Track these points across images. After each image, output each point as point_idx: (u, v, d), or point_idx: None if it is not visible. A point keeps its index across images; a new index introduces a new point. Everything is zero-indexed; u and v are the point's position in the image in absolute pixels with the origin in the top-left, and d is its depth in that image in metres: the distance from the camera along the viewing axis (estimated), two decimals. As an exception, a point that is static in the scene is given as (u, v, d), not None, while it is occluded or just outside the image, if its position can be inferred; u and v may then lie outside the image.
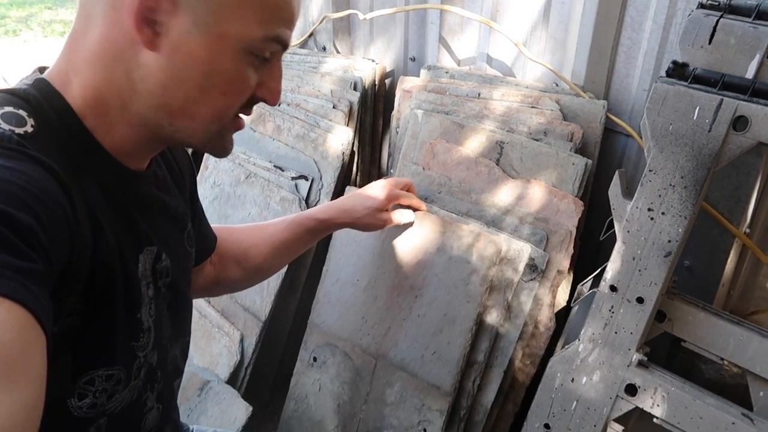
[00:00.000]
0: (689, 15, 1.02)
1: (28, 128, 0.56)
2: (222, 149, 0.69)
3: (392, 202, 1.16)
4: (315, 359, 1.40)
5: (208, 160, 1.76)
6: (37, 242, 0.48)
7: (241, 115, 0.67)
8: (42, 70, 0.65)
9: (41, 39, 5.69)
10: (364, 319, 1.31)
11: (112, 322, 0.64)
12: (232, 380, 1.54)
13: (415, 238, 1.27)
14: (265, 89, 0.66)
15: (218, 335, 1.59)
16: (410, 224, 1.26)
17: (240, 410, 1.45)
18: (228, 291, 1.10)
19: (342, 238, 1.37)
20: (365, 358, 1.31)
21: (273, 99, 0.67)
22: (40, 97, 0.59)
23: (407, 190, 1.22)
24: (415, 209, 1.24)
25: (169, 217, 0.76)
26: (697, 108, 0.97)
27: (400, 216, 1.20)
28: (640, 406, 1.09)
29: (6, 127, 0.55)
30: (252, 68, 0.63)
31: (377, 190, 1.13)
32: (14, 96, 0.59)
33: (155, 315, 0.72)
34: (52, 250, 0.50)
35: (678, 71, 1.02)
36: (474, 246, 1.20)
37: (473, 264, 1.20)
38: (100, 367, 0.64)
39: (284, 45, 0.63)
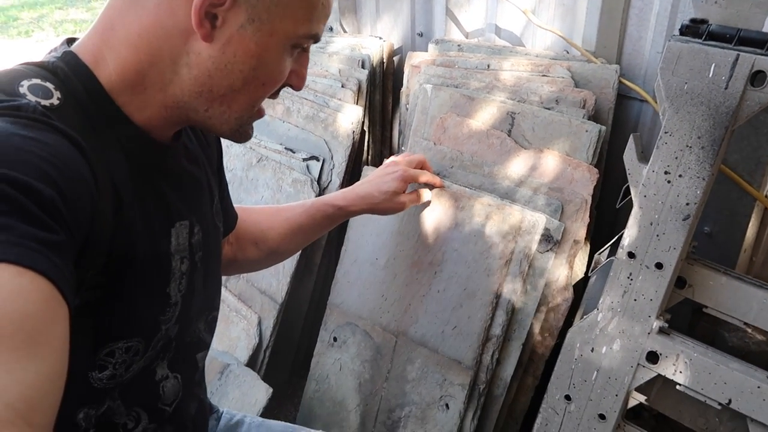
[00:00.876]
0: (702, -30, 0.99)
1: (54, 101, 0.57)
2: (245, 135, 0.71)
3: (408, 183, 1.16)
4: (335, 339, 1.40)
5: (220, 145, 1.76)
6: (58, 214, 0.48)
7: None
8: (70, 41, 0.65)
9: (54, 38, 5.74)
10: (383, 297, 1.31)
11: (134, 296, 0.64)
12: (251, 363, 1.55)
13: (433, 214, 1.27)
14: (294, 76, 0.69)
15: (236, 319, 1.60)
16: (428, 203, 1.26)
17: (260, 392, 1.46)
18: (243, 271, 1.11)
19: (360, 218, 1.37)
20: (385, 335, 1.31)
21: (300, 84, 0.70)
22: (68, 71, 0.60)
23: (422, 167, 1.21)
24: (432, 187, 1.24)
25: (201, 190, 0.77)
26: (713, 65, 0.94)
27: (417, 198, 1.20)
28: (662, 374, 1.07)
29: (32, 98, 0.55)
30: (290, 59, 0.66)
31: (392, 172, 1.13)
32: (42, 68, 0.60)
33: (185, 290, 0.72)
34: (74, 223, 0.50)
35: (692, 29, 0.99)
36: (491, 219, 1.19)
37: (491, 238, 1.19)
38: (121, 339, 0.65)
39: (319, 38, 0.68)
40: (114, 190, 0.60)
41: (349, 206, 1.09)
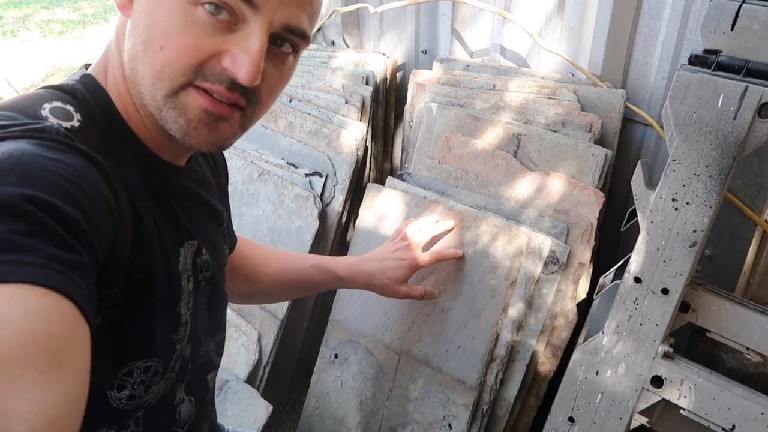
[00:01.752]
0: (710, 1, 1.00)
1: (75, 122, 0.58)
2: (175, 125, 0.59)
3: (415, 270, 1.12)
4: (336, 356, 1.39)
5: (227, 171, 1.75)
6: (82, 234, 0.48)
7: (212, 93, 0.58)
8: (88, 66, 0.66)
9: (40, 39, 5.67)
10: (386, 315, 1.31)
11: (152, 314, 0.65)
12: (250, 379, 1.54)
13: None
14: (227, 58, 0.57)
15: (236, 334, 1.59)
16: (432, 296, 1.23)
17: (260, 409, 1.45)
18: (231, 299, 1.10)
19: (363, 235, 1.37)
20: (388, 354, 1.31)
21: (239, 73, 0.56)
22: (86, 92, 0.61)
23: (437, 237, 1.21)
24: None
25: (208, 213, 0.77)
26: (722, 96, 0.96)
27: (421, 293, 1.15)
28: (667, 398, 1.08)
29: (54, 121, 0.56)
30: (201, 26, 0.55)
31: (401, 259, 1.10)
32: (62, 91, 0.60)
33: (192, 309, 0.73)
34: (96, 242, 0.51)
35: (701, 59, 1.01)
36: (497, 240, 1.20)
37: (497, 258, 1.20)
38: (140, 358, 0.65)
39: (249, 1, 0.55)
40: (132, 209, 0.60)
41: (350, 279, 1.08)
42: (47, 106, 0.57)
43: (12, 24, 6.03)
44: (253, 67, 0.56)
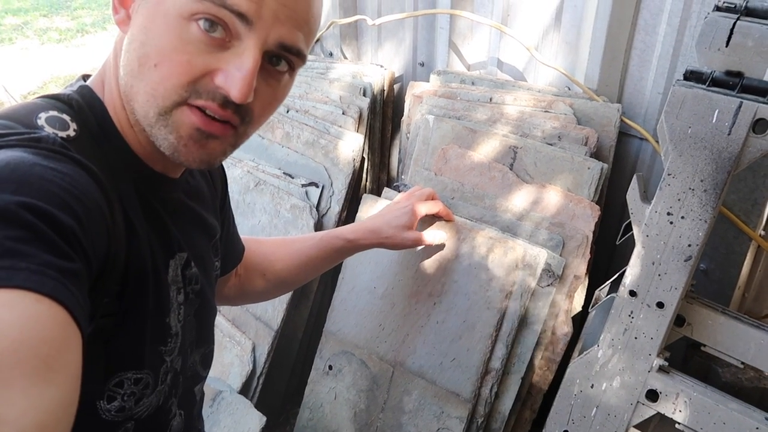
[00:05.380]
0: (705, 17, 1.02)
1: (71, 132, 0.58)
2: (166, 142, 0.59)
3: (419, 217, 1.14)
4: (330, 367, 1.38)
5: (225, 184, 1.75)
6: (77, 242, 0.49)
7: (205, 109, 0.58)
8: (86, 77, 0.67)
9: (38, 47, 5.68)
10: (381, 326, 1.30)
11: (143, 325, 0.65)
12: (244, 390, 1.53)
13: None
14: (222, 75, 0.56)
15: (230, 345, 1.58)
16: (442, 246, 1.24)
17: (254, 420, 1.44)
18: (250, 301, 1.11)
19: None
20: (382, 365, 1.30)
21: (232, 90, 0.56)
22: (82, 103, 0.62)
23: (440, 212, 1.21)
24: (444, 219, 1.24)
25: (199, 225, 0.77)
26: (716, 111, 0.96)
27: (432, 237, 1.19)
28: (662, 412, 1.08)
29: (50, 130, 0.56)
30: (195, 44, 0.55)
31: (403, 207, 1.12)
32: (59, 101, 0.61)
33: (183, 320, 0.73)
34: (91, 251, 0.51)
35: (696, 74, 1.01)
36: (493, 252, 1.19)
37: (492, 271, 1.19)
38: (130, 369, 0.65)
39: (236, 11, 0.54)
40: (126, 219, 0.61)
41: (359, 240, 1.08)
42: (43, 116, 0.57)
43: (10, 31, 6.04)
44: (245, 84, 0.56)
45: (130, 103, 0.59)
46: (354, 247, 1.10)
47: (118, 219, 0.58)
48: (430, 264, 1.27)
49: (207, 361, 0.85)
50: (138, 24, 0.57)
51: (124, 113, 0.62)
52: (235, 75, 0.56)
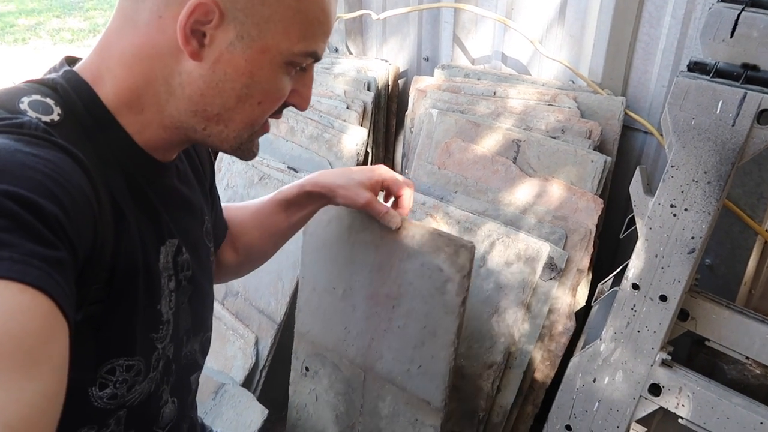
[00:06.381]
0: (710, 9, 1.01)
1: (55, 116, 0.57)
2: (249, 153, 0.70)
3: (380, 183, 0.99)
4: (307, 369, 1.32)
5: (222, 162, 1.75)
6: (61, 230, 0.48)
7: (268, 119, 0.69)
8: (70, 60, 0.65)
9: (51, 47, 5.73)
10: (346, 329, 1.19)
11: (133, 312, 0.64)
12: (247, 383, 1.54)
13: (382, 241, 1.09)
14: (296, 96, 0.67)
15: (233, 338, 1.59)
16: (394, 228, 1.03)
17: (255, 413, 1.44)
18: (224, 279, 1.04)
19: (311, 243, 1.23)
20: (354, 369, 1.20)
21: (303, 105, 0.69)
22: (68, 87, 0.60)
23: (404, 192, 1.02)
24: (399, 205, 1.04)
25: (190, 210, 0.76)
26: (720, 102, 0.96)
27: (384, 208, 0.99)
28: (665, 407, 1.07)
29: (33, 114, 0.55)
30: (288, 78, 0.64)
31: (369, 169, 0.99)
32: (42, 85, 0.60)
33: (174, 308, 0.72)
34: (76, 238, 0.50)
35: (700, 65, 1.01)
36: (443, 251, 1.03)
37: (446, 272, 1.03)
38: (121, 356, 0.64)
39: (319, 58, 0.66)
40: (114, 205, 0.60)
41: (308, 182, 0.96)
42: (26, 100, 0.56)
43: (24, 32, 6.10)
44: (310, 98, 0.70)
45: (213, 127, 0.64)
46: (305, 194, 0.96)
47: (105, 205, 0.58)
48: (382, 263, 1.11)
49: (205, 348, 0.84)
50: (236, 66, 0.60)
51: (133, 101, 0.61)
52: (306, 93, 0.68)
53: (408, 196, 1.01)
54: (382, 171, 0.99)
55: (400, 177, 1.02)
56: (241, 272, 1.04)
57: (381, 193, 1.04)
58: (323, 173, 0.98)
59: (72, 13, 6.81)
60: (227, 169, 1.73)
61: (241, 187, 1.68)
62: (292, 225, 1.01)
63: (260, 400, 1.47)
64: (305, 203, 0.98)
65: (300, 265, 1.25)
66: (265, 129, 0.69)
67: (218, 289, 1.68)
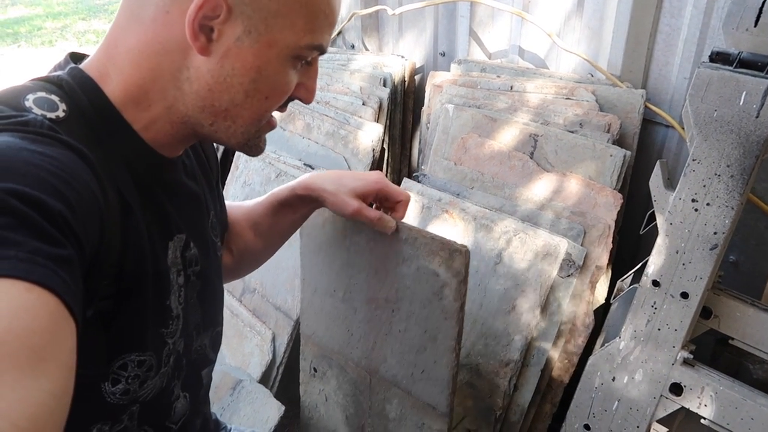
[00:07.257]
0: (733, -3, 0.98)
1: (60, 113, 0.57)
2: (256, 148, 0.70)
3: (374, 192, 0.94)
4: (315, 370, 1.32)
5: (239, 159, 1.76)
6: (67, 227, 0.48)
7: (274, 114, 0.69)
8: (74, 56, 0.65)
9: (76, 48, 5.84)
10: (349, 332, 1.17)
11: (142, 307, 0.64)
12: (264, 379, 1.54)
13: (377, 244, 1.06)
14: (302, 89, 0.68)
15: (250, 334, 1.59)
16: (386, 232, 0.98)
17: (272, 409, 1.44)
18: (226, 278, 1.00)
19: (308, 244, 1.19)
20: (359, 372, 1.18)
21: (309, 98, 0.69)
22: (73, 84, 0.60)
23: (401, 204, 0.97)
24: (394, 210, 0.98)
25: (197, 206, 0.76)
26: (744, 93, 0.93)
27: (375, 214, 0.95)
28: (686, 407, 1.04)
29: (38, 111, 0.55)
30: (294, 71, 0.65)
31: (364, 175, 0.95)
32: (48, 82, 0.60)
33: (184, 303, 0.72)
34: (83, 235, 0.50)
35: (722, 55, 0.98)
36: (438, 255, 0.99)
37: (442, 277, 1.00)
38: (133, 351, 0.65)
39: (325, 50, 0.66)
40: (121, 201, 0.60)
41: (299, 184, 0.93)
42: (31, 97, 0.57)
43: (50, 34, 6.22)
44: (315, 91, 0.70)
45: (221, 122, 0.64)
46: (296, 195, 0.94)
47: (111, 201, 0.57)
48: (379, 267, 1.08)
49: (216, 343, 0.84)
50: (244, 60, 0.60)
51: (141, 97, 0.62)
52: (311, 86, 0.69)
53: (404, 205, 0.96)
54: (378, 178, 0.94)
55: (396, 187, 0.96)
56: (239, 273, 1.03)
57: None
58: (316, 176, 0.94)
59: (97, 15, 6.93)
60: (245, 166, 1.74)
61: (258, 184, 1.68)
62: (285, 226, 0.99)
63: (277, 396, 1.48)
64: (297, 205, 0.96)
65: (300, 267, 1.24)
66: (271, 124, 0.69)
67: (236, 285, 1.69)
